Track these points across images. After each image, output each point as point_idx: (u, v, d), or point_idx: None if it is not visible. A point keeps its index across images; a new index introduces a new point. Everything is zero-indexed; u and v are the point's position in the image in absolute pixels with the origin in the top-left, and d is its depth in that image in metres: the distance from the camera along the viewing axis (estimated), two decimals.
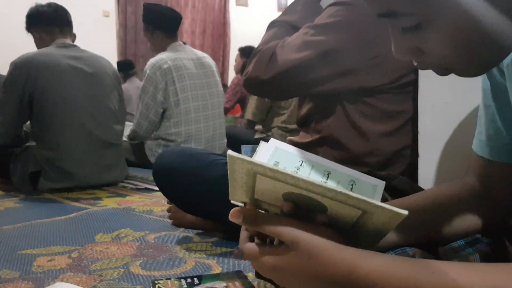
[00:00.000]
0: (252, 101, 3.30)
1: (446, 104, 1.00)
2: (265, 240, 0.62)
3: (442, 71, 0.55)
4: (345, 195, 0.52)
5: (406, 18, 0.49)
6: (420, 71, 1.01)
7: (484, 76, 0.71)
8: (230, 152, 0.54)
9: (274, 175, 0.53)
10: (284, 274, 0.54)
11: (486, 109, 0.71)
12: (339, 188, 0.52)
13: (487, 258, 0.69)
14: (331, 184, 0.60)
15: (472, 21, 0.47)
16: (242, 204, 0.64)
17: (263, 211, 0.63)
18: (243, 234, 0.63)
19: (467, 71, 0.54)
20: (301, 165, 0.63)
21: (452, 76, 0.95)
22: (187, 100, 2.66)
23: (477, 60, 0.52)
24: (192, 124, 2.69)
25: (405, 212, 0.51)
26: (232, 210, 0.58)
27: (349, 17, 1.08)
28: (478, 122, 0.74)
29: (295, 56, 1.13)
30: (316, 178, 0.61)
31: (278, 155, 0.63)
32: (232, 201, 0.65)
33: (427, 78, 1.01)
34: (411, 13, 0.49)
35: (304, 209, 0.57)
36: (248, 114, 3.35)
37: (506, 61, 0.62)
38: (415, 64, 0.56)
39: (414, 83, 1.05)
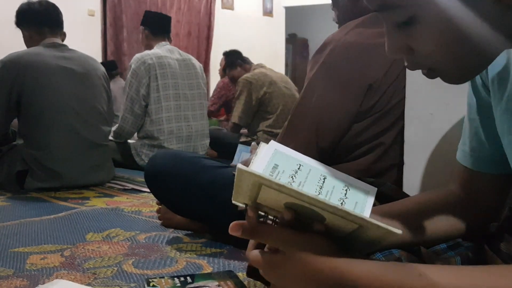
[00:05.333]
0: (239, 105, 3.33)
1: (431, 116, 1.05)
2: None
3: (428, 73, 0.59)
4: (345, 212, 0.55)
5: (397, 11, 0.54)
6: (407, 84, 1.06)
7: (470, 92, 0.76)
8: (239, 165, 0.57)
9: (280, 188, 0.57)
10: (284, 279, 0.59)
11: (471, 123, 0.77)
12: (340, 206, 0.56)
13: (467, 261, 0.73)
14: (327, 186, 0.64)
15: (455, 23, 0.52)
16: (242, 205, 0.67)
17: (263, 213, 0.67)
18: (251, 242, 0.68)
19: (451, 75, 0.59)
20: (299, 168, 0.65)
21: (437, 89, 1.01)
22: (168, 98, 2.71)
23: (460, 63, 0.56)
24: (173, 122, 2.73)
25: (399, 232, 0.55)
26: (231, 224, 0.61)
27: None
28: (463, 134, 0.80)
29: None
30: (313, 181, 0.64)
31: (277, 158, 0.66)
32: (233, 202, 0.68)
33: (413, 91, 1.06)
34: (401, 5, 0.53)
35: (304, 216, 0.61)
36: (234, 118, 3.38)
37: (490, 75, 0.67)
38: (406, 63, 0.60)
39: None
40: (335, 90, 1.09)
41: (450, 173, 0.85)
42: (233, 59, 3.80)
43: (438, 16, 0.53)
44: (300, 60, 7.78)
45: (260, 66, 3.54)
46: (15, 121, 2.19)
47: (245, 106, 3.30)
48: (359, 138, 1.10)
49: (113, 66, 4.66)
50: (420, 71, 0.61)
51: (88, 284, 1.04)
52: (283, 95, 3.31)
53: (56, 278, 1.08)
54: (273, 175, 0.63)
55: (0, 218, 1.63)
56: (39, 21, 2.21)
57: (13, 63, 2.06)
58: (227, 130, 3.59)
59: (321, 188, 0.64)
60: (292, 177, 0.64)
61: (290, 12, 7.21)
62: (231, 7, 6.75)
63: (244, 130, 3.54)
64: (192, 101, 2.83)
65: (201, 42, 6.41)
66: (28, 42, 2.26)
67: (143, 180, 1.46)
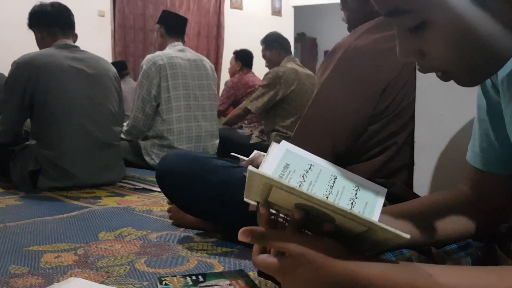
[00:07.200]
0: (262, 97, 3.20)
1: (441, 116, 1.06)
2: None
3: (442, 75, 0.60)
4: (354, 215, 0.56)
5: (408, 16, 0.55)
6: (417, 85, 1.07)
7: (480, 93, 0.76)
8: (250, 167, 0.59)
9: (290, 190, 0.58)
10: (296, 283, 0.59)
11: (480, 124, 0.77)
12: (349, 209, 0.56)
13: (478, 261, 0.74)
14: (338, 187, 0.64)
15: (467, 26, 0.52)
16: (254, 202, 0.68)
17: (274, 211, 0.67)
18: (255, 247, 0.68)
19: (463, 78, 0.59)
20: (309, 168, 0.66)
21: (447, 90, 1.02)
22: (178, 99, 2.73)
23: (472, 66, 0.56)
24: (183, 122, 2.76)
25: (407, 236, 0.55)
26: (240, 230, 0.62)
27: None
28: (473, 135, 0.80)
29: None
30: (323, 181, 0.65)
31: (288, 157, 0.66)
32: (245, 199, 0.68)
33: (424, 92, 1.07)
34: (412, 10, 0.54)
35: (314, 216, 0.61)
36: (252, 106, 3.27)
37: (500, 76, 0.67)
38: (418, 67, 0.61)
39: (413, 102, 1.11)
40: (348, 94, 1.10)
41: (460, 174, 0.86)
42: (272, 41, 3.67)
43: (449, 20, 0.53)
44: (309, 59, 7.77)
45: (293, 59, 3.42)
46: (28, 121, 2.22)
47: (269, 100, 3.20)
48: (373, 140, 1.11)
49: (122, 66, 4.69)
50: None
51: (102, 283, 1.06)
52: (307, 98, 3.15)
53: (70, 276, 1.10)
54: (284, 175, 0.64)
55: (14, 217, 1.65)
56: (51, 23, 2.24)
57: (26, 64, 2.09)
58: (233, 117, 3.53)
59: (331, 188, 0.64)
60: (303, 176, 0.65)
61: (299, 11, 7.20)
62: (240, 7, 6.76)
63: (245, 130, 3.52)
64: (202, 102, 2.85)
65: (211, 42, 6.43)
66: (41, 43, 2.29)
67: (154, 179, 1.47)
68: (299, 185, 0.63)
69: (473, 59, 0.55)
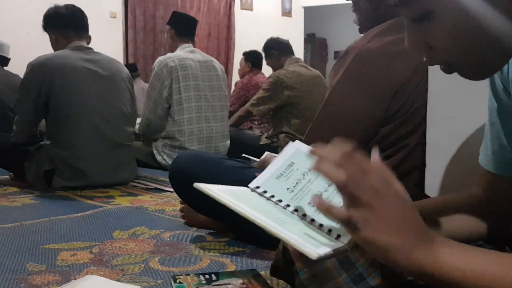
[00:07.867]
0: (264, 100, 3.19)
1: (453, 118, 1.06)
2: None
3: (445, 68, 0.61)
4: (267, 229, 0.57)
5: (414, 6, 0.56)
6: (429, 88, 1.08)
7: (491, 96, 0.77)
8: (195, 184, 0.64)
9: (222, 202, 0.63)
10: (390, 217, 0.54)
11: (492, 126, 0.78)
12: (263, 222, 0.57)
13: None
14: (331, 189, 0.66)
15: (471, 18, 0.53)
16: None
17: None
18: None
19: (468, 71, 0.60)
20: None
21: (459, 92, 1.03)
22: (189, 100, 2.76)
23: (478, 59, 0.57)
24: (194, 123, 2.78)
25: (314, 255, 0.52)
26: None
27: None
28: (484, 138, 0.81)
29: None
30: (323, 179, 0.67)
31: (295, 156, 0.69)
32: None
33: (435, 93, 1.08)
34: (417, 0, 0.55)
35: None
36: (253, 108, 3.25)
37: (511, 78, 0.68)
38: (424, 59, 0.62)
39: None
40: (360, 97, 1.11)
41: (471, 176, 0.86)
42: (269, 48, 3.71)
43: (453, 11, 0.54)
44: (319, 60, 7.77)
45: (296, 61, 3.37)
46: (43, 121, 2.26)
47: (270, 106, 3.20)
48: (384, 142, 1.12)
49: (133, 68, 4.74)
50: (443, 73, 0.62)
51: (117, 280, 1.08)
52: (313, 100, 3.13)
53: (87, 274, 1.12)
54: (286, 172, 0.67)
55: (29, 215, 1.69)
56: (65, 25, 2.28)
57: (41, 66, 2.13)
58: (236, 118, 3.53)
59: (329, 185, 0.66)
60: (303, 174, 0.68)
61: (309, 12, 7.21)
62: (250, 8, 6.79)
63: (256, 131, 3.53)
64: (213, 103, 2.88)
65: (221, 43, 6.46)
66: (55, 45, 2.33)
67: (166, 179, 1.49)
68: (297, 183, 0.66)
69: (477, 52, 0.56)
